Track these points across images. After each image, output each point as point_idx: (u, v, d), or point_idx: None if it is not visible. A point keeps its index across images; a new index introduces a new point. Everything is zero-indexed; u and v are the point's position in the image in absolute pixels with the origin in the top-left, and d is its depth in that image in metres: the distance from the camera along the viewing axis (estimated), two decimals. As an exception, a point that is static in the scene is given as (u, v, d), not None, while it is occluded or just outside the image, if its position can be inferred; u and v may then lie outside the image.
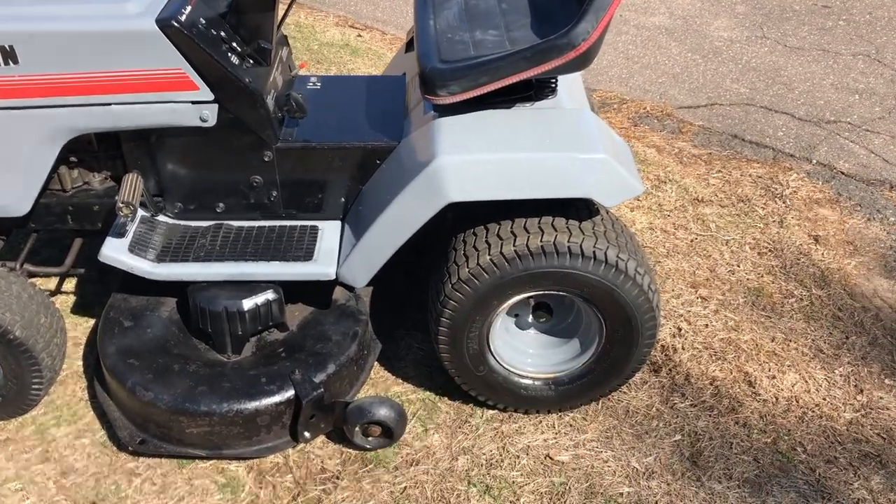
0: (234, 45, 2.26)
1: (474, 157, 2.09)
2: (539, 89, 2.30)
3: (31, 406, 2.41)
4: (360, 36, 5.10)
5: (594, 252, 2.12)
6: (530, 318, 2.42)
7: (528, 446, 2.37)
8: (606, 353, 2.30)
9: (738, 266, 3.16)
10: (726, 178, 3.73)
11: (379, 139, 2.36)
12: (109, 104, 2.18)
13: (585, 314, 2.32)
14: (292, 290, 2.40)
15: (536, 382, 2.38)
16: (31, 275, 2.49)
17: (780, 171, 3.79)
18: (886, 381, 2.70)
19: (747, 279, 3.09)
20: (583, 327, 2.36)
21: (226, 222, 2.45)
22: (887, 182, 3.74)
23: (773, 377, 2.67)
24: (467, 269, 2.16)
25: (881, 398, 2.64)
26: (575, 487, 2.27)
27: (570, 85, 2.43)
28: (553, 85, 2.31)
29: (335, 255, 2.34)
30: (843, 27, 5.19)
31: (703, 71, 4.69)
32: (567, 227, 2.15)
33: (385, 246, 2.22)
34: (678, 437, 2.43)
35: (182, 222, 2.45)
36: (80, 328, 2.73)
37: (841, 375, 2.71)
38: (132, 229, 2.35)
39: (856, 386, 2.68)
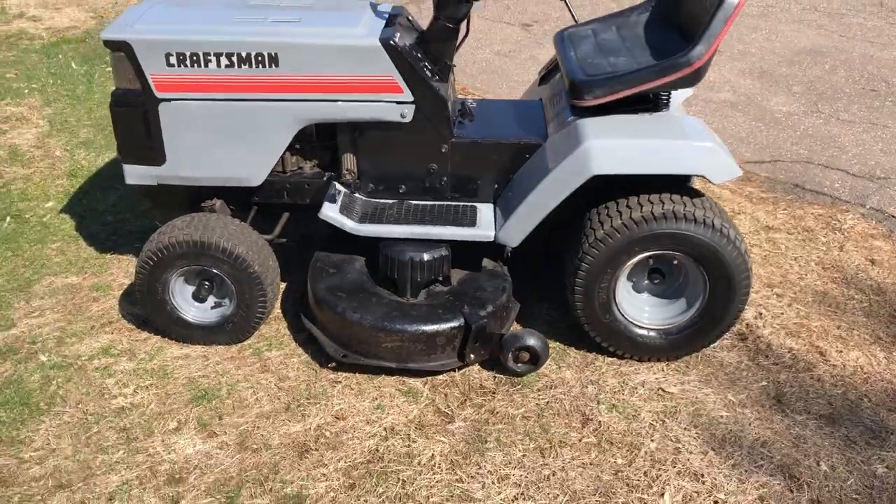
0: (426, 63, 3.02)
1: (614, 141, 2.79)
2: (655, 102, 3.01)
3: (250, 334, 3.08)
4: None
5: (704, 218, 2.78)
6: (645, 282, 3.06)
7: (644, 381, 2.97)
8: (709, 308, 2.92)
9: (806, 276, 3.76)
10: (791, 214, 4.37)
11: (528, 138, 3.08)
12: (337, 101, 2.94)
13: (692, 275, 2.94)
14: (452, 257, 3.07)
15: (650, 332, 3.00)
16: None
17: (838, 212, 4.42)
18: (937, 361, 3.25)
19: (814, 284, 3.69)
20: (689, 287, 2.98)
21: (407, 200, 3.16)
22: (933, 225, 4.34)
23: (841, 352, 3.24)
24: (603, 230, 2.83)
25: (932, 372, 3.19)
26: (684, 409, 2.85)
27: (677, 105, 3.14)
28: (666, 100, 3.02)
29: (492, 224, 3.03)
30: (889, 106, 5.89)
31: (766, 136, 5.39)
32: (682, 200, 2.82)
33: (537, 211, 2.89)
34: (764, 383, 3.01)
35: (373, 199, 3.17)
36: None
37: (897, 356, 3.27)
38: (339, 199, 3.06)
39: (911, 364, 3.23)
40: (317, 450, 2.61)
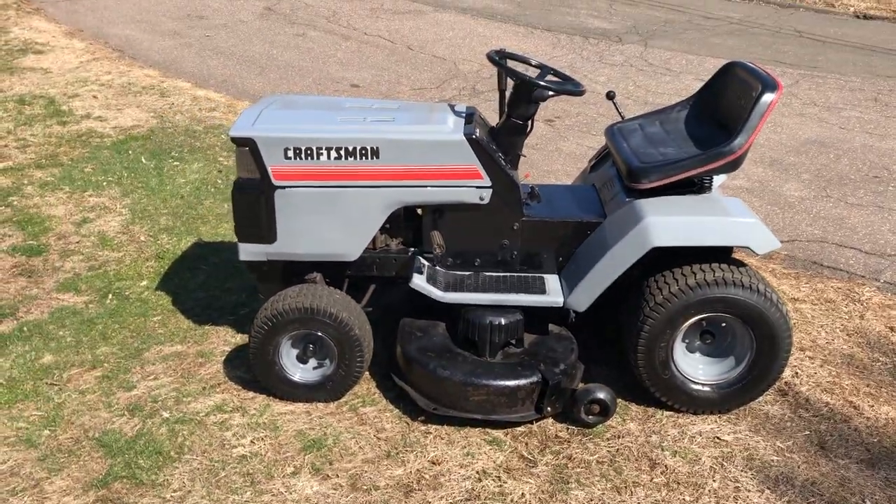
0: (500, 153, 3.51)
1: (670, 218, 3.25)
2: (700, 186, 3.48)
3: (345, 392, 3.46)
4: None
5: (750, 284, 3.21)
6: (697, 342, 3.46)
7: (700, 431, 3.34)
8: (756, 364, 3.32)
9: (833, 341, 4.16)
10: (813, 287, 4.79)
11: (589, 217, 3.54)
12: (426, 186, 3.41)
13: (740, 335, 3.35)
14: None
15: (705, 387, 3.38)
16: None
17: (856, 285, 4.85)
18: (959, 414, 3.62)
19: (841, 348, 4.09)
20: (737, 346, 3.38)
21: (482, 272, 3.60)
22: (943, 296, 4.76)
23: (872, 406, 3.61)
24: (662, 296, 3.25)
25: (956, 424, 3.55)
26: (739, 455, 3.21)
27: (715, 188, 3.61)
28: (709, 183, 3.49)
29: (559, 291, 3.45)
30: (892, 191, 6.40)
31: (782, 218, 5.87)
32: (730, 269, 3.26)
33: (604, 279, 3.32)
34: (807, 432, 3.37)
35: (452, 271, 3.60)
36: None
37: (924, 411, 3.64)
38: (425, 271, 3.50)
39: (937, 417, 3.60)
40: (420, 490, 2.96)
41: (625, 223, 3.34)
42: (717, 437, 3.29)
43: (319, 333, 3.31)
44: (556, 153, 6.99)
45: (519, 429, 3.30)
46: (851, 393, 3.68)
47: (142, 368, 3.65)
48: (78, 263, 4.67)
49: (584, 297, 3.37)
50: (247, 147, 3.34)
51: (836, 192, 6.36)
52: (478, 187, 3.41)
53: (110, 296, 4.29)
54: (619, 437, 3.28)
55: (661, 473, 3.08)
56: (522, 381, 3.22)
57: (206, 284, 4.46)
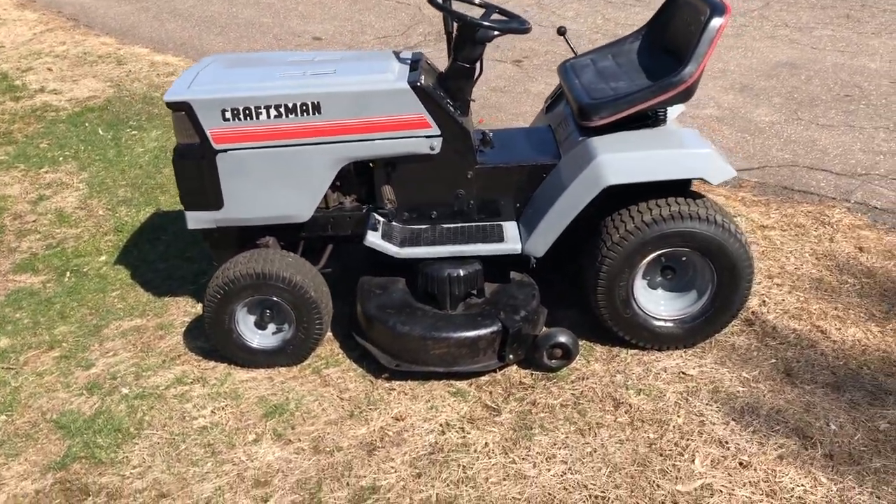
0: (448, 100, 3.40)
1: (623, 154, 3.16)
2: (654, 119, 3.39)
3: (307, 355, 3.41)
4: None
5: (707, 216, 3.15)
6: (658, 279, 3.41)
7: (665, 367, 3.31)
8: (718, 296, 3.27)
9: (802, 266, 4.12)
10: (783, 213, 4.74)
11: (544, 160, 3.45)
12: (373, 140, 3.31)
13: (700, 268, 3.29)
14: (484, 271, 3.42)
15: (668, 323, 3.34)
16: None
17: (826, 208, 4.79)
18: (929, 333, 3.60)
19: (810, 273, 4.05)
20: (698, 280, 3.33)
21: (439, 224, 3.52)
22: (914, 212, 4.72)
23: (839, 329, 3.58)
24: (619, 234, 3.19)
25: (925, 342, 3.53)
26: (704, 388, 3.19)
27: (672, 120, 3.52)
28: (663, 116, 3.40)
29: (518, 239, 3.39)
30: (863, 109, 6.31)
31: (752, 144, 5.78)
32: (686, 202, 3.19)
33: (559, 223, 3.25)
34: (774, 360, 3.35)
35: (409, 226, 3.53)
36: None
37: (892, 329, 3.60)
38: (380, 228, 3.42)
39: (904, 335, 3.58)
40: (383, 447, 2.94)
41: (577, 164, 3.26)
42: (682, 372, 3.27)
43: (275, 298, 3.25)
44: (525, 95, 6.87)
45: (483, 378, 3.27)
46: (819, 317, 3.65)
47: (100, 345, 3.60)
48: (35, 243, 4.59)
49: (541, 242, 3.30)
50: (183, 111, 3.23)
51: (806, 114, 6.27)
52: (427, 137, 3.32)
53: (68, 273, 4.22)
54: (583, 379, 3.25)
55: (626, 412, 3.06)
56: (483, 331, 3.18)
57: (167, 254, 4.38)
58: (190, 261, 4.28)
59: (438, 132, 3.30)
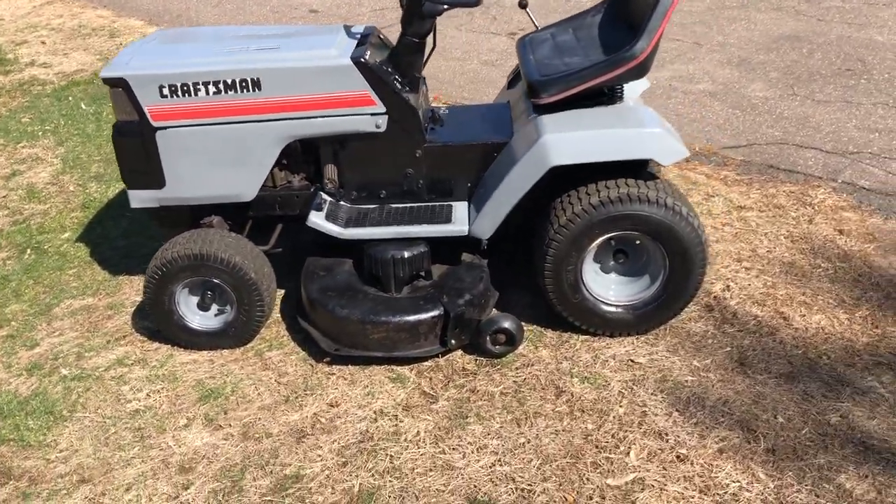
0: (397, 76, 3.29)
1: (569, 133, 3.04)
2: (610, 96, 3.25)
3: (252, 337, 3.35)
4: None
5: (657, 198, 3.02)
6: (611, 263, 3.29)
7: (615, 354, 3.20)
8: (670, 281, 3.15)
9: (775, 249, 3.97)
10: (764, 193, 4.57)
11: (496, 138, 3.33)
12: (317, 117, 3.21)
13: (652, 252, 3.17)
14: (434, 253, 3.32)
15: (618, 308, 3.23)
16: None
17: (810, 188, 4.61)
18: (899, 321, 3.45)
19: (782, 256, 3.90)
20: (651, 264, 3.21)
21: (388, 204, 3.43)
22: (903, 193, 4.53)
23: (804, 316, 3.45)
24: (566, 216, 3.07)
25: (894, 332, 3.38)
26: (651, 377, 3.08)
27: (635, 97, 3.37)
28: (620, 93, 3.26)
29: (466, 220, 3.28)
30: (864, 84, 6.08)
31: (743, 121, 5.60)
32: (636, 183, 3.06)
33: (505, 205, 3.14)
34: (728, 348, 3.22)
35: (357, 205, 3.43)
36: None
37: (860, 316, 3.46)
38: (326, 207, 3.33)
39: (872, 323, 3.42)
40: (313, 434, 2.88)
41: (525, 143, 3.14)
42: (631, 360, 3.16)
43: (215, 280, 3.19)
44: (515, 68, 6.71)
45: (425, 364, 3.19)
46: (784, 303, 3.51)
47: (48, 325, 3.57)
48: (2, 219, 4.56)
49: (488, 224, 3.20)
50: (120, 88, 3.16)
51: (803, 89, 6.07)
52: (372, 114, 3.22)
53: (28, 251, 4.20)
54: (528, 366, 3.16)
55: (566, 402, 2.97)
56: (424, 316, 3.09)
57: (128, 232, 4.34)
58: (152, 238, 4.23)
59: (384, 109, 3.20)
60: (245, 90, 3.13)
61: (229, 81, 3.12)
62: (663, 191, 3.06)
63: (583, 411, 2.92)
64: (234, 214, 3.46)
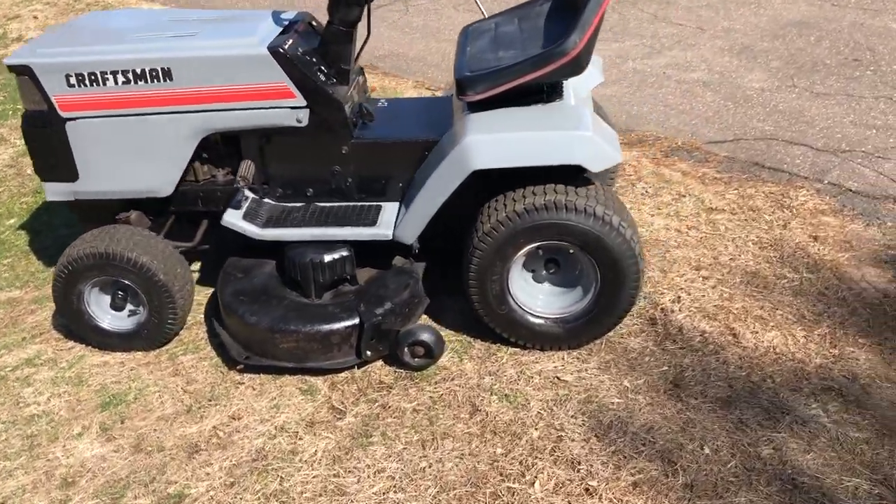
0: (322, 67, 3.09)
1: (492, 135, 2.82)
2: (549, 93, 3.02)
3: (166, 340, 3.20)
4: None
5: (585, 207, 2.79)
6: (544, 272, 3.08)
7: (541, 370, 3.00)
8: (602, 295, 2.93)
9: (740, 256, 3.72)
10: (741, 194, 4.30)
11: (427, 136, 3.12)
12: (233, 109, 3.03)
13: (585, 264, 2.95)
14: (365, 257, 3.13)
15: (547, 321, 3.02)
16: (168, 246, 3.31)
17: (792, 189, 4.33)
18: (860, 340, 3.18)
19: (746, 265, 3.65)
20: (584, 277, 2.99)
21: (314, 203, 3.24)
22: (891, 197, 4.22)
23: (757, 333, 3.20)
24: (489, 224, 2.86)
25: (853, 352, 3.12)
26: (575, 397, 2.87)
27: (578, 96, 3.13)
28: (560, 90, 3.03)
29: (393, 223, 3.09)
30: (869, 76, 5.72)
31: (733, 114, 5.30)
32: (565, 190, 2.84)
33: (427, 210, 2.94)
34: (665, 368, 3.00)
35: (282, 203, 3.25)
36: (202, 293, 3.54)
37: (819, 335, 3.21)
38: (246, 205, 3.16)
39: (831, 342, 3.17)
40: (206, 450, 2.72)
41: (451, 143, 2.93)
42: (558, 378, 2.96)
43: (125, 280, 3.04)
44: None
45: (341, 375, 3.02)
46: (738, 318, 3.28)
47: (-32, 319, 3.46)
48: (-49, 204, 4.47)
49: (411, 228, 3.01)
50: (26, 76, 3.00)
51: (803, 80, 5.73)
52: (292, 108, 3.03)
53: (-31, 238, 4.09)
54: (449, 380, 2.97)
55: (479, 422, 2.78)
56: (336, 325, 2.92)
57: (72, 220, 4.20)
58: (94, 228, 4.09)
59: (304, 103, 3.01)
60: (156, 80, 2.96)
61: (139, 71, 2.95)
62: (594, 199, 2.83)
63: (494, 433, 2.73)
64: (155, 210, 3.31)
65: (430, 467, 2.61)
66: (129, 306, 3.16)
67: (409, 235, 3.02)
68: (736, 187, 4.37)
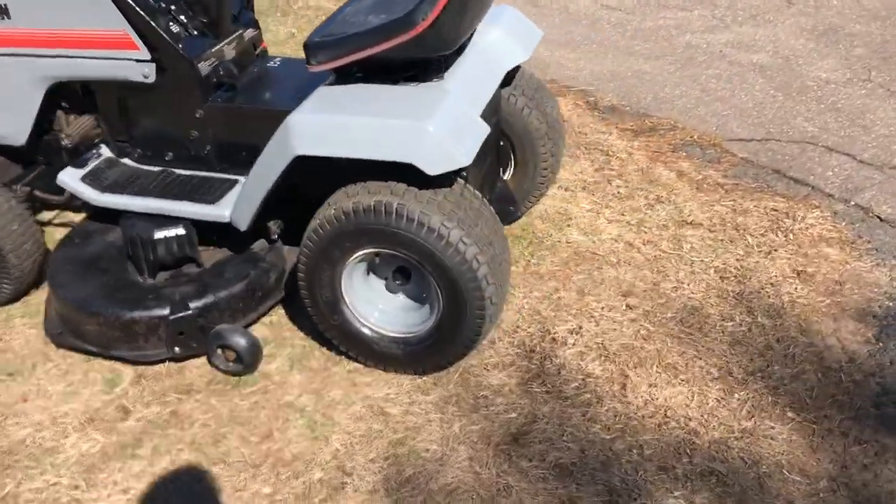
0: (182, 17, 2.71)
1: (321, 116, 2.36)
2: (424, 71, 2.51)
3: (7, 299, 2.97)
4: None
5: (418, 216, 2.29)
6: (397, 283, 2.61)
7: (369, 396, 2.55)
8: (444, 320, 2.43)
9: (687, 286, 3.08)
10: (735, 207, 3.59)
11: (286, 106, 2.68)
12: (73, 57, 2.71)
13: (429, 280, 2.46)
14: (220, 235, 2.78)
15: (384, 339, 2.56)
16: (36, 199, 3.07)
17: (804, 207, 3.57)
18: (789, 414, 2.53)
19: (690, 298, 3.01)
20: (432, 295, 2.50)
21: (172, 169, 2.89)
22: (924, 233, 3.41)
23: (655, 386, 2.61)
24: (316, 221, 2.42)
25: (772, 428, 2.48)
26: (388, 436, 2.41)
27: (471, 82, 2.58)
28: (438, 67, 2.51)
29: (233, 203, 2.69)
30: (967, 76, 4.72)
31: (778, 108, 4.48)
32: (403, 192, 2.34)
33: (255, 195, 2.53)
34: (514, 415, 2.48)
35: (139, 165, 2.93)
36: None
37: (738, 399, 2.58)
38: (93, 164, 2.86)
39: (748, 412, 2.54)
40: (-28, 435, 2.49)
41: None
42: (382, 409, 2.50)
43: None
44: (562, 12, 5.86)
45: (154, 368, 2.70)
46: (641, 363, 2.69)
47: None
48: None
49: (245, 212, 2.61)
50: None
51: (883, 74, 4.80)
52: (137, 61, 2.68)
53: None
54: (264, 392, 2.59)
55: (265, 451, 2.38)
56: (141, 314, 2.59)
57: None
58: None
59: (149, 56, 2.64)
60: (-7, 16, 2.68)
61: None
62: (434, 206, 2.31)
63: (274, 466, 2.34)
64: (18, 159, 3.07)
65: (171, 496, 2.24)
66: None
67: (244, 220, 2.62)
68: (733, 198, 3.66)
